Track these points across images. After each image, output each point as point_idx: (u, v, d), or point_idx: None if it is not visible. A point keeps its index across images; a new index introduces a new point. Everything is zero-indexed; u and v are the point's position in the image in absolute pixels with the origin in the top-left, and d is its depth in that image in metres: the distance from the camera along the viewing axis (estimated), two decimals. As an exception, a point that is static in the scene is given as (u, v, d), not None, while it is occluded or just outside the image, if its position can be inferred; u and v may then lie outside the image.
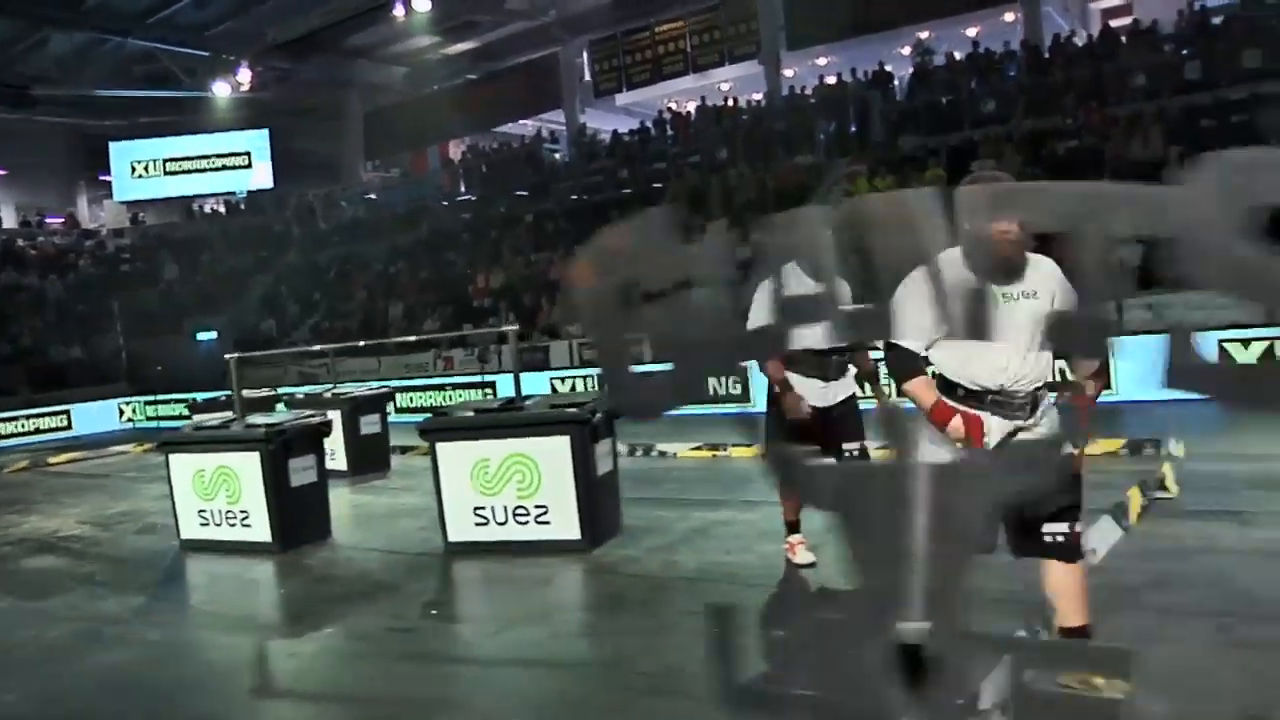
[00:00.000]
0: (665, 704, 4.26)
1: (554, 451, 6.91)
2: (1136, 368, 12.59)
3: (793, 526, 6.08)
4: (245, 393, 16.13)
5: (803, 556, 6.01)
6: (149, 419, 23.69)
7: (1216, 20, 19.75)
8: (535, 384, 17.09)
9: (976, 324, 3.42)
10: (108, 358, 27.15)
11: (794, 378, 5.60)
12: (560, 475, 6.90)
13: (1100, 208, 1.80)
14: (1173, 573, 5.27)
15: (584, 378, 17.26)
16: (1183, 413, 11.24)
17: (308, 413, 9.12)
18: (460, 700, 4.66)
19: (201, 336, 27.17)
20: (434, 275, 25.29)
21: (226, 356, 9.32)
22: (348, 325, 24.34)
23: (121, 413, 24.77)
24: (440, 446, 7.31)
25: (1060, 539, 3.76)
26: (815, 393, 5.63)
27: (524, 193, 27.48)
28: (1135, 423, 10.82)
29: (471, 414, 7.45)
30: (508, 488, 7.09)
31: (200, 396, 18.43)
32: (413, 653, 5.34)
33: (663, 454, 11.37)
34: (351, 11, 22.24)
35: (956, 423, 3.72)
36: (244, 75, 26.60)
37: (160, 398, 23.78)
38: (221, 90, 27.77)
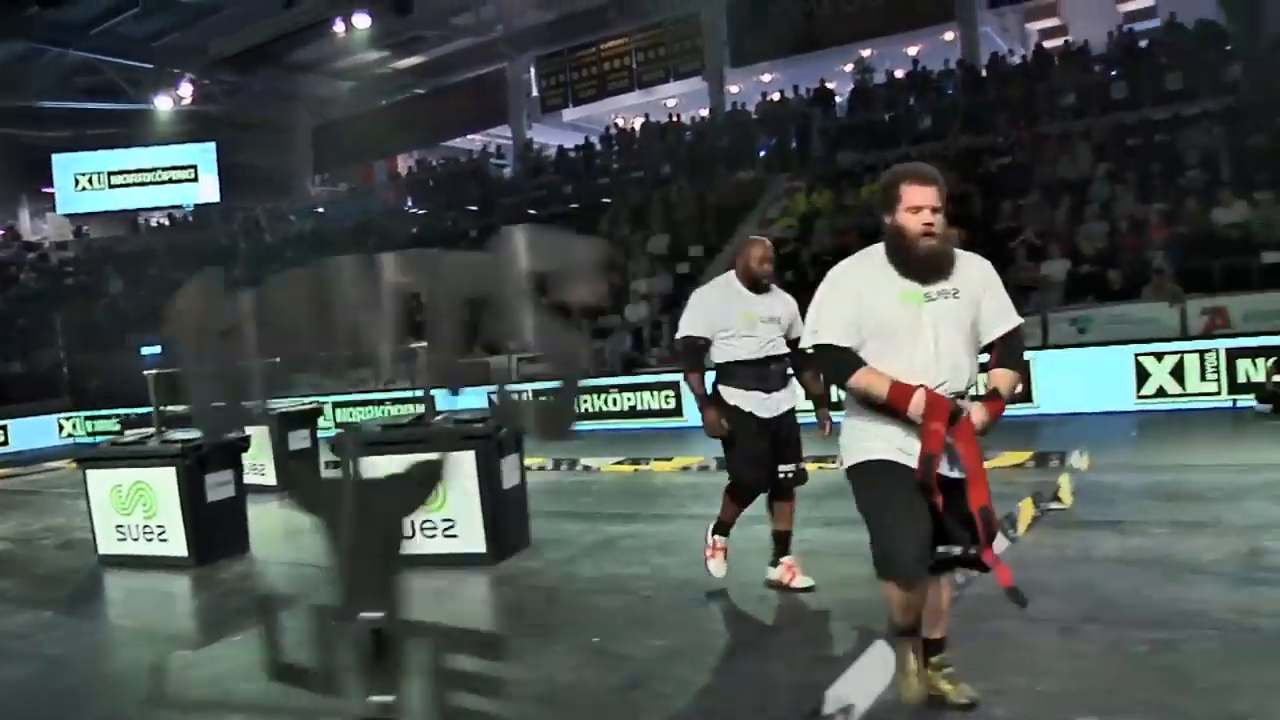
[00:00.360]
0: (534, 711, 4.38)
1: (461, 466, 7.00)
2: (1059, 381, 12.94)
3: (722, 528, 5.78)
4: (182, 408, 16.10)
5: (716, 569, 5.76)
6: (89, 434, 23.45)
7: (1143, 43, 20.28)
8: (474, 398, 17.13)
9: (892, 322, 3.50)
10: (49, 372, 26.83)
11: (736, 391, 5.46)
12: (466, 490, 7.00)
13: (442, 271, 2.40)
14: (1044, 581, 5.43)
15: (519, 393, 17.29)
16: (1096, 426, 11.63)
17: (226, 428, 9.13)
18: (346, 708, 4.73)
19: (146, 351, 26.93)
20: (378, 290, 25.20)
21: (146, 373, 9.30)
22: (291, 340, 24.20)
23: (61, 428, 24.48)
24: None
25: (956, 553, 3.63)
26: (759, 404, 5.45)
27: (474, 208, 27.57)
28: (1051, 435, 11.09)
29: (379, 429, 7.53)
30: (416, 502, 7.17)
31: (138, 412, 18.31)
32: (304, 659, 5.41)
33: (587, 468, 11.48)
34: (294, 27, 22.23)
35: (919, 399, 3.43)
36: (185, 89, 26.46)
37: (101, 413, 23.57)
38: (163, 104, 27.59)
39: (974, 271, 3.63)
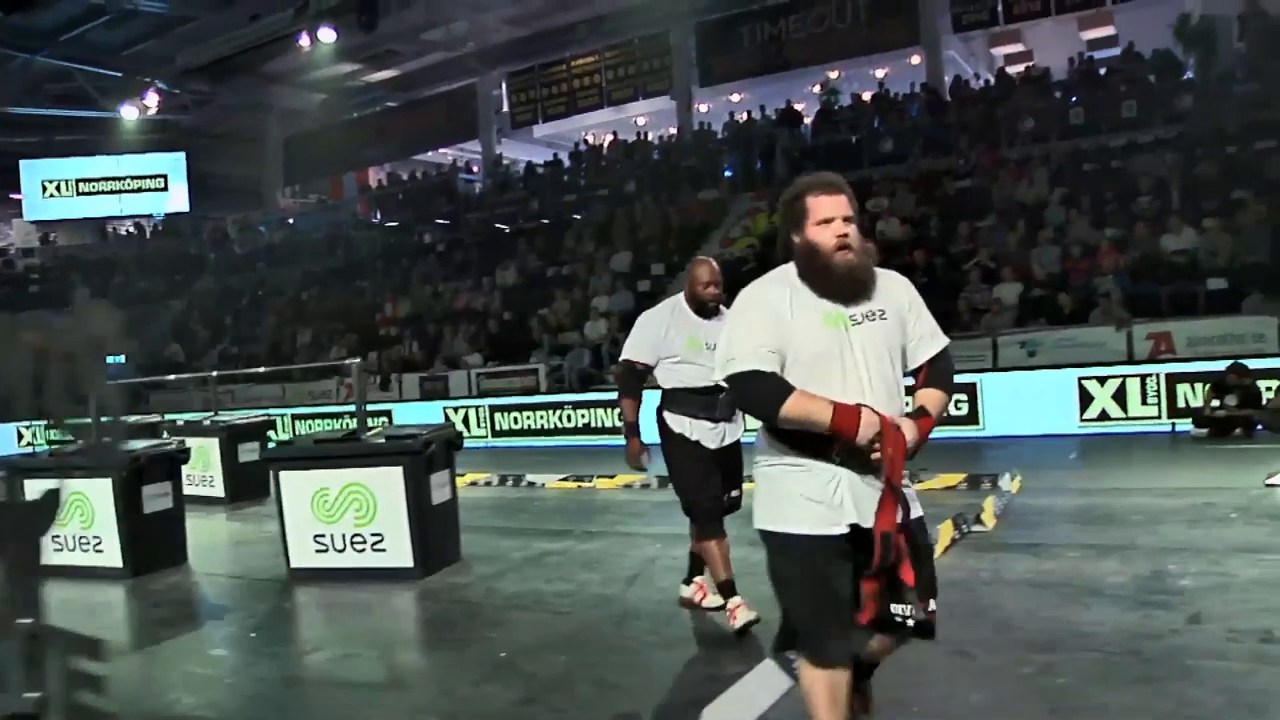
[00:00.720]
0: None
1: (388, 481, 7.06)
2: (1005, 403, 13.11)
3: (726, 588, 5.24)
4: (134, 419, 16.16)
5: (744, 617, 5.11)
6: (50, 443, 23.30)
7: (1102, 71, 20.59)
8: (431, 413, 17.25)
9: (819, 349, 3.13)
10: (10, 380, 26.67)
11: (682, 418, 5.25)
12: (394, 505, 7.06)
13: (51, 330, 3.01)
14: (949, 603, 5.45)
15: (476, 408, 17.41)
16: (1038, 448, 11.79)
17: (166, 440, 9.19)
18: (240, 715, 4.79)
19: (110, 360, 26.84)
20: (344, 303, 25.30)
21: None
22: (254, 351, 24.25)
23: (21, 436, 24.35)
24: (283, 475, 7.44)
25: (912, 622, 3.15)
26: (705, 433, 5.23)
27: (444, 221, 27.67)
28: (992, 457, 11.24)
29: (313, 444, 7.60)
30: (346, 516, 7.23)
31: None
32: (220, 671, 5.46)
33: (532, 484, 11.57)
34: (260, 40, 22.28)
35: (871, 421, 3.00)
36: (151, 99, 26.40)
37: (62, 421, 23.43)
38: (129, 113, 27.51)
39: (897, 290, 3.27)
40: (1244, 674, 4.21)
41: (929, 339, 3.29)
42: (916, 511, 3.21)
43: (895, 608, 3.13)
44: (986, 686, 4.33)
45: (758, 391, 3.09)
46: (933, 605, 3.17)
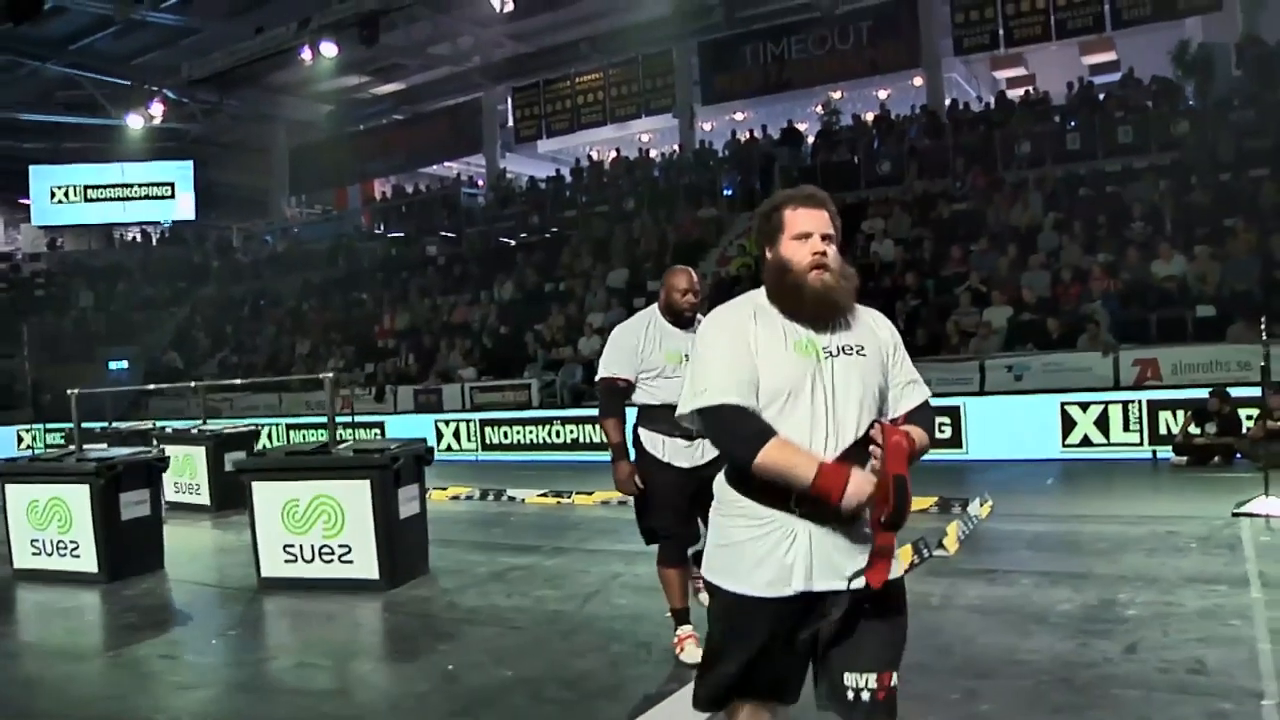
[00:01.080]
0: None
1: (356, 494, 7.17)
2: (990, 427, 13.15)
3: (680, 616, 5.14)
4: (127, 425, 16.35)
5: (691, 654, 4.93)
6: (49, 447, 23.51)
7: (1101, 96, 20.69)
8: (423, 426, 17.38)
9: (786, 380, 2.72)
10: (13, 383, 26.93)
11: (656, 436, 5.04)
12: (362, 517, 7.16)
13: None
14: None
15: (466, 421, 17.50)
16: (1018, 473, 11.83)
17: (145, 448, 9.31)
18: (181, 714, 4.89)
19: (113, 365, 27.11)
20: (343, 313, 25.47)
21: (69, 392, 9.46)
22: (253, 360, 24.42)
23: (21, 440, 24.53)
24: (255, 485, 7.55)
25: (866, 695, 2.76)
26: (678, 452, 4.99)
27: (448, 234, 27.85)
28: (971, 481, 11.29)
29: (284, 455, 7.71)
30: (315, 527, 7.33)
31: (94, 426, 18.41)
32: (178, 677, 5.55)
33: (511, 499, 11.66)
34: (264, 53, 22.51)
35: (861, 483, 2.62)
36: (157, 109, 26.66)
37: (62, 425, 23.63)
38: (135, 122, 27.78)
39: (880, 329, 2.93)
40: (1165, 704, 4.27)
41: (913, 388, 2.94)
42: (896, 572, 2.83)
43: (848, 677, 2.76)
44: (911, 712, 4.38)
45: (735, 429, 2.73)
46: (893, 680, 2.78)
